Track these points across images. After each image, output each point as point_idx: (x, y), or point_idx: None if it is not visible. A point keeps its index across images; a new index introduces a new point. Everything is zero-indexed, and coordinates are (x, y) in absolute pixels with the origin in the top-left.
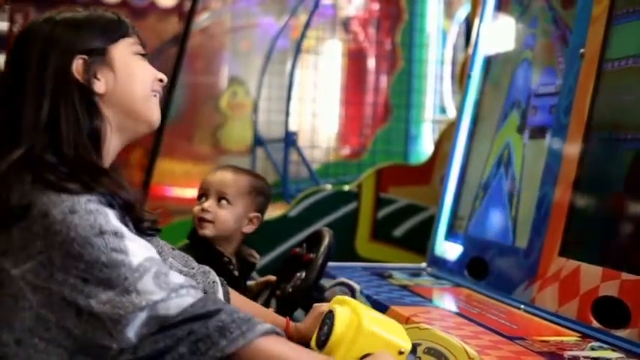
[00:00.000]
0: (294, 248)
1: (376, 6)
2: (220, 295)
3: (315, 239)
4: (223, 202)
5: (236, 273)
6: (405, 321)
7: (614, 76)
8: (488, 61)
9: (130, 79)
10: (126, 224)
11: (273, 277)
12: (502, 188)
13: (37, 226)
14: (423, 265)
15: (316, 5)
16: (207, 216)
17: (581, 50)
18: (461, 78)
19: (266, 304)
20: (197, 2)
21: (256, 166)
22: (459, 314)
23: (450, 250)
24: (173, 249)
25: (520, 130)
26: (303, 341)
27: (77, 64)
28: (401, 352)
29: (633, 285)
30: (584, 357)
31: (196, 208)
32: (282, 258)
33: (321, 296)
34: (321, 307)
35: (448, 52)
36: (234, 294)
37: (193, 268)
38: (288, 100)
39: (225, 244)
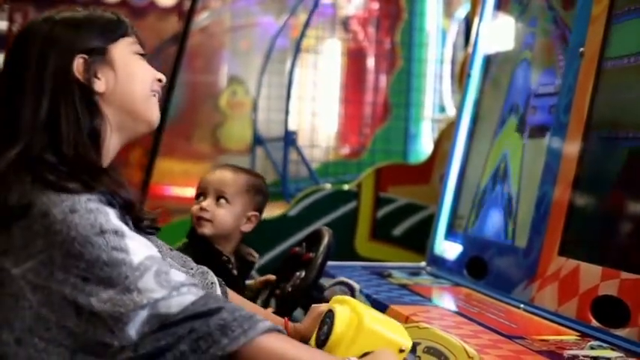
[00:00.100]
0: (294, 247)
1: (376, 5)
2: None
3: (315, 238)
4: (222, 201)
5: (235, 272)
6: (404, 320)
7: (614, 75)
8: (488, 61)
9: (130, 78)
10: (126, 223)
11: (272, 277)
12: (501, 187)
13: (37, 225)
14: (423, 264)
15: (316, 4)
16: (206, 215)
17: (581, 49)
18: (460, 77)
19: (265, 304)
20: (197, 1)
21: (256, 165)
22: (458, 313)
23: (449, 249)
24: (171, 249)
25: (519, 129)
26: (301, 342)
27: (78, 64)
28: (401, 350)
29: (633, 284)
30: (584, 356)
31: (195, 208)
32: (282, 257)
33: (320, 295)
34: (320, 308)
35: (448, 51)
36: (232, 295)
37: (192, 269)
38: (287, 99)
39: (223, 243)
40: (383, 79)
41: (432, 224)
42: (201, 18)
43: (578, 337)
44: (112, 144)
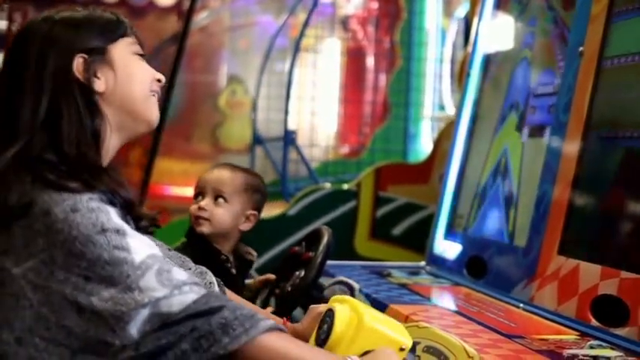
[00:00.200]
0: (293, 247)
1: (375, 4)
2: None
3: (314, 238)
4: (220, 200)
5: (234, 271)
6: (404, 319)
7: (613, 74)
8: (488, 60)
9: (129, 79)
10: (127, 222)
11: (272, 276)
12: (501, 187)
13: (38, 224)
14: (422, 263)
15: (315, 4)
16: (204, 214)
17: (580, 48)
18: (460, 76)
19: (265, 303)
20: (196, 1)
21: (255, 164)
22: (457, 313)
23: (448, 248)
24: (169, 249)
25: (519, 128)
26: None
27: (77, 63)
28: (402, 349)
29: (632, 283)
30: (583, 355)
31: (193, 207)
32: (281, 257)
33: (320, 295)
34: (319, 308)
35: (447, 51)
36: (231, 295)
37: (190, 269)
38: (287, 98)
39: (222, 242)
40: (382, 79)
41: (431, 224)
42: (201, 17)
43: (578, 337)
44: (111, 143)
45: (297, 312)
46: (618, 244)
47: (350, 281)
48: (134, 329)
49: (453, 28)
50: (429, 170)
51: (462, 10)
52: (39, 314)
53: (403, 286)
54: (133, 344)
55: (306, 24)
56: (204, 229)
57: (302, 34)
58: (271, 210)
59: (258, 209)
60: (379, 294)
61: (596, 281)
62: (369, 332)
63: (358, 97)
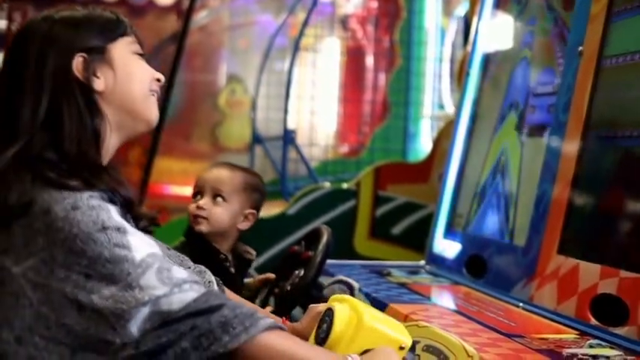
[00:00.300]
0: (293, 246)
1: (374, 3)
2: None
3: (314, 237)
4: (219, 199)
5: (232, 270)
6: (403, 319)
7: (613, 73)
8: (487, 59)
9: (129, 78)
10: (127, 221)
11: (271, 275)
12: (500, 186)
13: (38, 223)
14: (422, 262)
15: (314, 3)
16: (203, 213)
17: (580, 48)
18: (459, 76)
19: (264, 302)
20: (195, 0)
21: (255, 163)
22: (457, 312)
23: (448, 247)
24: (168, 248)
25: (518, 127)
26: None
27: (77, 62)
28: (402, 348)
29: (632, 283)
30: (583, 354)
31: (192, 206)
32: (281, 256)
33: (319, 294)
34: (318, 307)
35: (447, 50)
36: (230, 294)
37: (189, 268)
38: (286, 97)
39: (221, 241)
40: (382, 78)
41: (431, 223)
42: (200, 17)
43: (577, 336)
44: (111, 143)
45: (297, 311)
46: (618, 243)
47: (349, 280)
48: (134, 327)
49: (453, 28)
50: (429, 169)
51: (461, 10)
52: (39, 313)
53: (403, 285)
54: (133, 342)
55: (305, 23)
56: (203, 228)
57: (301, 34)
58: (271, 209)
59: (257, 208)
60: (379, 293)
61: (596, 280)
62: (369, 331)
63: (358, 97)
